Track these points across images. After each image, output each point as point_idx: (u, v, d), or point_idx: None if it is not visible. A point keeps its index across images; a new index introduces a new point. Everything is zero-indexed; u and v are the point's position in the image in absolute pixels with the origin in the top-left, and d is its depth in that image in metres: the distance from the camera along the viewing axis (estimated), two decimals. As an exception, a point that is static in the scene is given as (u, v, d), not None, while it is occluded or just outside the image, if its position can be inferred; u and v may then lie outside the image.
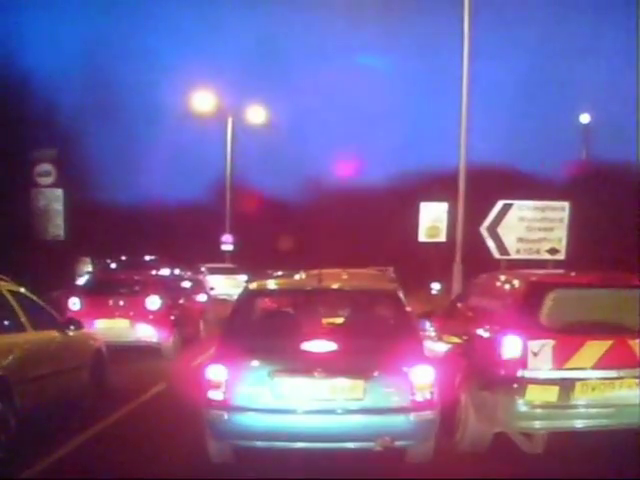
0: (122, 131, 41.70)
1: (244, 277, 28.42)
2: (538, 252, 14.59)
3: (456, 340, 8.09)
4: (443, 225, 18.69)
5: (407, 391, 6.04)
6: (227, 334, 6.65)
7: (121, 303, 13.33)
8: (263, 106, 35.41)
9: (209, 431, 6.27)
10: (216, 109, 33.53)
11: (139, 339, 13.07)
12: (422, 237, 18.83)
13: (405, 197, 28.77)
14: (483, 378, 6.81)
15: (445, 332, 8.58)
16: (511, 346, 6.46)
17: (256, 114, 35.17)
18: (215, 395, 6.09)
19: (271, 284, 7.83)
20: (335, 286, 7.46)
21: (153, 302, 13.34)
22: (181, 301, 15.01)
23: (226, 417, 6.05)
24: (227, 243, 34.23)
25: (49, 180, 17.76)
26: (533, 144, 40.40)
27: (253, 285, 7.50)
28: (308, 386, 6.05)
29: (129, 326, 13.02)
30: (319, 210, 39.39)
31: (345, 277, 9.53)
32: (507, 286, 7.60)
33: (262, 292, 7.60)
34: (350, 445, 6.15)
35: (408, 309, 6.92)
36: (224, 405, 6.06)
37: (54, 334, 8.32)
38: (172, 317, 13.70)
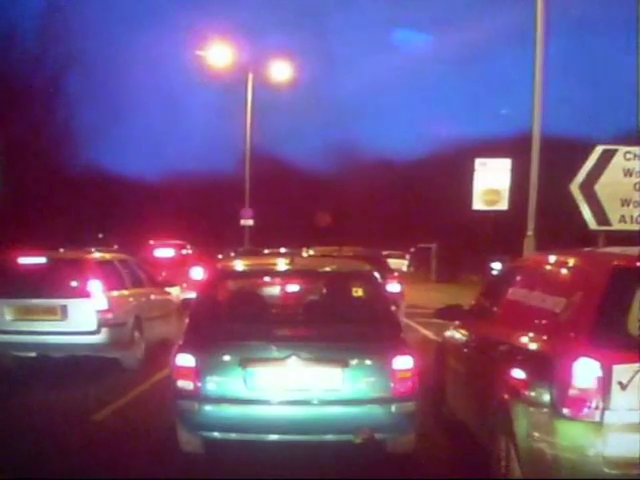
0: (120, 90, 37.74)
1: None
2: (648, 221, 10.19)
3: (488, 353, 6.09)
4: (505, 188, 14.51)
5: (387, 380, 5.77)
6: (195, 318, 6.32)
7: (171, 273, 16.86)
8: (288, 62, 30.76)
9: (180, 422, 6.07)
10: (234, 64, 29.09)
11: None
12: (477, 204, 14.78)
13: (453, 165, 25.12)
14: (534, 419, 4.76)
15: (472, 339, 6.75)
16: (583, 374, 4.41)
17: (280, 70, 30.52)
18: (185, 385, 5.87)
19: (240, 264, 7.84)
20: (306, 267, 7.37)
21: (197, 272, 16.74)
22: None
23: (196, 407, 5.85)
24: (247, 217, 29.79)
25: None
26: (595, 110, 35.69)
27: (220, 265, 7.51)
28: (282, 375, 5.82)
29: (180, 292, 15.85)
30: (351, 182, 35.20)
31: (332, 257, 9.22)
32: (571, 275, 5.30)
33: (231, 273, 7.35)
34: (327, 437, 5.95)
35: (386, 293, 6.79)
36: (194, 395, 5.85)
37: (157, 289, 12.01)
38: None
